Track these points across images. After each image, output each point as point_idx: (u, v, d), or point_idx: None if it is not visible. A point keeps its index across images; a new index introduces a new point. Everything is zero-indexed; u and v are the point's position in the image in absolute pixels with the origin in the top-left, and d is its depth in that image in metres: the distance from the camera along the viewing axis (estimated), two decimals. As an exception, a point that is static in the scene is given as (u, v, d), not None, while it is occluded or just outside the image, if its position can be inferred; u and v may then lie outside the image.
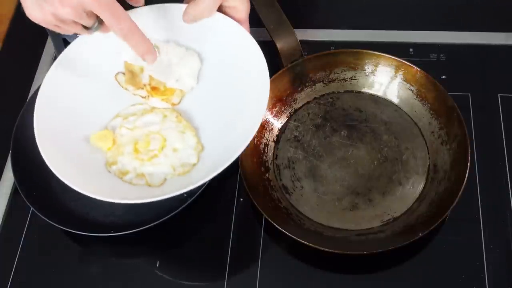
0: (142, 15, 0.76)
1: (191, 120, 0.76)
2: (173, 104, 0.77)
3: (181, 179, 0.71)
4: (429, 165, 0.82)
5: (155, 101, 0.77)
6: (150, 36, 0.71)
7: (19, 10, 1.05)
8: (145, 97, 0.77)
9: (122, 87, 0.77)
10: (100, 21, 0.69)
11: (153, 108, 0.77)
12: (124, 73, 0.77)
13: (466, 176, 0.76)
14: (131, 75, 0.77)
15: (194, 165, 0.72)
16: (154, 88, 0.76)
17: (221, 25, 0.75)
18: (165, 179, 0.72)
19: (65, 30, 0.69)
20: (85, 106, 0.76)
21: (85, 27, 0.69)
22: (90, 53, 0.77)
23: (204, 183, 0.76)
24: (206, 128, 0.75)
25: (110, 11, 0.66)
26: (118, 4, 0.67)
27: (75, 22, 0.68)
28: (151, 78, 0.77)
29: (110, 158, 0.73)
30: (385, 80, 0.88)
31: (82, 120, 0.75)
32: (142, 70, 0.77)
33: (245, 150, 0.82)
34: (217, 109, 0.76)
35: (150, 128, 0.75)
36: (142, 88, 0.77)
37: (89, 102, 0.76)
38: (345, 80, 0.89)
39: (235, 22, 0.75)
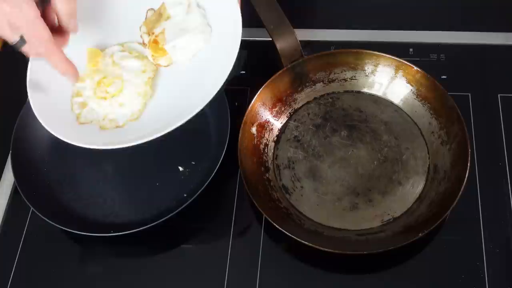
0: None
1: (156, 84, 0.79)
2: (158, 65, 0.79)
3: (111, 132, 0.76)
4: (429, 165, 0.82)
5: (148, 53, 0.79)
6: None
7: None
8: (144, 44, 0.80)
9: (142, 22, 0.81)
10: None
11: (144, 57, 0.80)
12: (154, 11, 0.80)
13: (466, 176, 0.76)
14: (157, 18, 0.79)
15: (117, 126, 0.76)
16: (155, 41, 0.78)
17: None
18: (91, 121, 0.76)
19: None
20: (102, 21, 0.81)
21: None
22: None
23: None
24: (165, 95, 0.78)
25: (32, 29, 0.68)
26: (41, 22, 0.68)
27: None
28: (162, 31, 0.78)
29: (85, 74, 0.77)
30: (385, 80, 0.88)
31: (91, 31, 0.79)
32: (167, 19, 0.79)
33: (245, 150, 0.82)
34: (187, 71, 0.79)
35: (125, 73, 0.78)
36: (149, 35, 0.79)
37: (107, 19, 0.81)
38: (345, 80, 0.89)
39: None
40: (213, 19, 0.79)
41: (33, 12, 0.68)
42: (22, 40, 0.69)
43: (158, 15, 0.80)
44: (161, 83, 0.79)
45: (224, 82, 0.73)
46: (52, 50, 0.70)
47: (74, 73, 0.74)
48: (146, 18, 0.81)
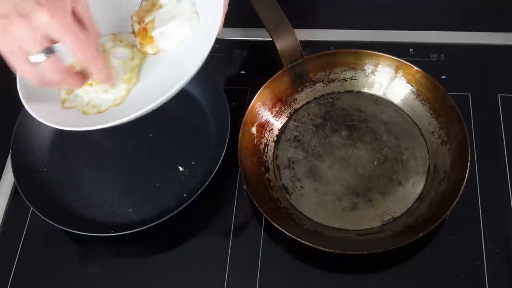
0: None
1: (142, 71, 0.78)
2: (146, 53, 0.79)
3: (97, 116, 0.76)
4: (429, 165, 0.82)
5: (137, 41, 0.79)
6: None
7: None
8: (133, 33, 0.80)
9: (135, 12, 0.81)
10: (48, 51, 0.65)
11: (134, 46, 0.79)
12: (148, 1, 0.80)
13: (466, 176, 0.76)
14: (149, 7, 0.79)
15: (99, 112, 0.76)
16: (144, 29, 0.78)
17: None
18: (76, 106, 0.76)
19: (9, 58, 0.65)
20: (98, 12, 0.78)
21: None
22: None
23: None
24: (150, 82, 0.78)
25: (75, 36, 0.64)
26: (81, 28, 0.66)
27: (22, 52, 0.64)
28: (151, 19, 0.78)
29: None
30: (385, 80, 0.88)
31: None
32: (159, 8, 0.79)
33: (245, 150, 0.82)
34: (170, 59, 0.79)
35: (112, 60, 0.77)
36: (139, 24, 0.79)
37: (102, 10, 0.79)
38: (345, 80, 0.89)
39: None
40: (201, 7, 0.79)
41: (70, 17, 0.65)
42: (49, 51, 0.64)
43: (151, 5, 0.80)
44: (147, 70, 0.79)
45: (201, 64, 0.72)
46: (98, 53, 0.67)
47: (114, 78, 0.72)
48: (140, 8, 0.81)
